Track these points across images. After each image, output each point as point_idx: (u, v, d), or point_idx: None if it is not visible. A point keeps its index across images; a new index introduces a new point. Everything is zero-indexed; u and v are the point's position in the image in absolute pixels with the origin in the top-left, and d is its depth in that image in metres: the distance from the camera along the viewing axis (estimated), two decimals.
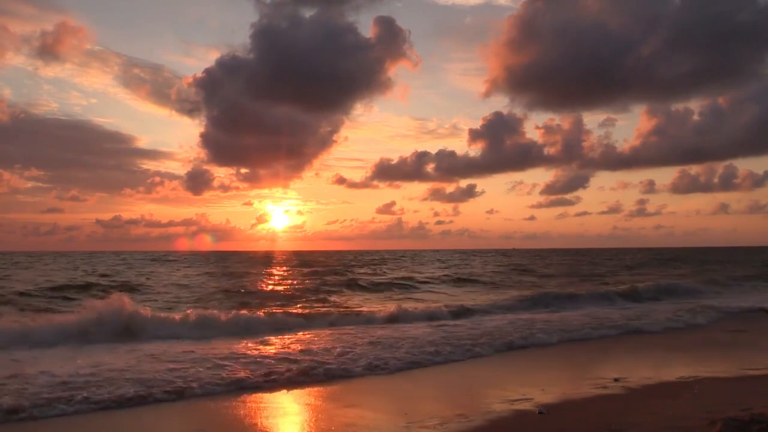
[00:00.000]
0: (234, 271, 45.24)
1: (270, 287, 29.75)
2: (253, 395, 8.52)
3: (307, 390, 8.88)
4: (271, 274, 41.12)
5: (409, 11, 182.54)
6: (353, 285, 30.11)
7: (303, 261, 69.21)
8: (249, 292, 26.60)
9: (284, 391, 8.82)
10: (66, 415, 7.42)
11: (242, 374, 9.43)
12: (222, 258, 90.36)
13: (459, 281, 33.87)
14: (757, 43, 64.28)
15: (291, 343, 12.75)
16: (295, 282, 33.11)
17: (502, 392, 8.40)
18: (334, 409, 7.78)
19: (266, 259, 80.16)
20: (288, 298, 23.72)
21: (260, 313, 16.72)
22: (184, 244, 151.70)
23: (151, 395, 8.18)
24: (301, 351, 11.55)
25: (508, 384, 9.06)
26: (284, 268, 50.04)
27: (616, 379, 9.16)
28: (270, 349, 11.92)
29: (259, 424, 7.14)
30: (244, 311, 16.89)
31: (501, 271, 44.85)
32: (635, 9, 67.02)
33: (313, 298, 23.85)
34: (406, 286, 30.44)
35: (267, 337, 13.72)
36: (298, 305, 21.01)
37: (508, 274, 40.67)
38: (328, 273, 40.89)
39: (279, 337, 13.88)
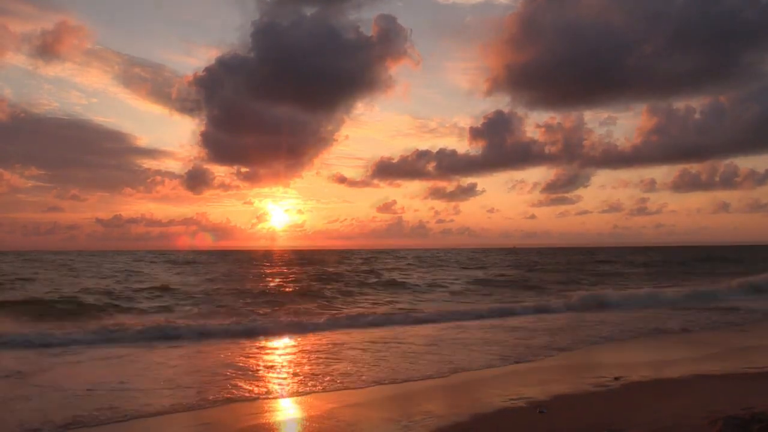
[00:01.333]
0: (262, 271, 44.89)
1: (317, 287, 29.22)
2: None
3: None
4: (303, 274, 40.50)
5: (409, 10, 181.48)
6: (394, 284, 30.42)
7: (319, 260, 68.53)
8: (304, 292, 26.21)
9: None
10: None
11: None
12: (232, 257, 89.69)
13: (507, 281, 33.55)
14: (757, 43, 64.21)
15: None
16: (337, 281, 32.96)
17: (502, 391, 8.38)
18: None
19: (280, 258, 79.40)
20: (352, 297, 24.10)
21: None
22: (185, 243, 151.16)
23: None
24: None
25: (509, 383, 9.06)
26: (311, 268, 49.29)
27: (616, 378, 9.15)
28: None
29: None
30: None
31: (540, 270, 43.73)
32: (635, 8, 66.91)
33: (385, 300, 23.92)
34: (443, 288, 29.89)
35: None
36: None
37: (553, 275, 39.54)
38: (369, 273, 40.75)
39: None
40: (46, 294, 23.61)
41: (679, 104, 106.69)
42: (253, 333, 14.69)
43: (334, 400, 8.19)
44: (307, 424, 7.10)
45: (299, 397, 8.43)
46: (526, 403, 7.67)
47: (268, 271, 46.37)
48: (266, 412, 7.70)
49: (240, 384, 9.05)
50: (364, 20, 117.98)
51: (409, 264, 57.67)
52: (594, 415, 6.97)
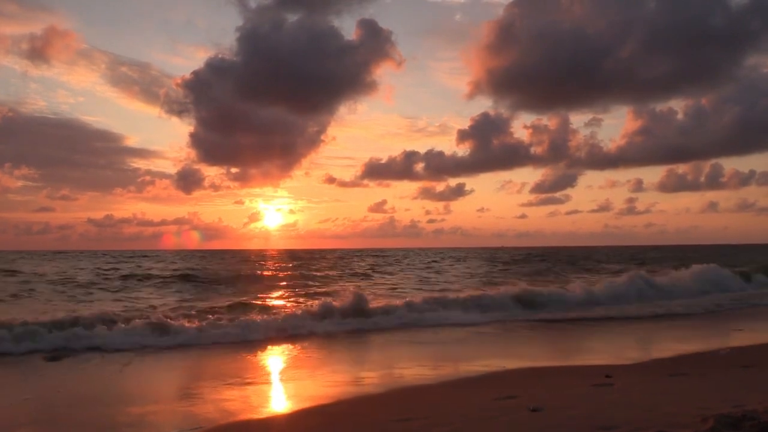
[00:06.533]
0: (295, 269, 44.94)
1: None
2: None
3: None
4: (355, 273, 40.29)
5: (397, 9, 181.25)
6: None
7: (332, 259, 68.29)
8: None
9: None
10: None
11: None
12: (238, 256, 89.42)
13: None
14: (746, 45, 63.40)
15: None
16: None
17: (496, 387, 8.27)
18: None
19: (296, 257, 79.02)
20: None
21: None
22: (179, 243, 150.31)
23: None
24: None
25: (501, 379, 9.00)
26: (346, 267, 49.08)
27: (608, 376, 9.06)
28: None
29: None
30: None
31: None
32: (627, 9, 65.80)
33: None
34: None
35: None
36: None
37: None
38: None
39: None
40: None
41: (680, 105, 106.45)
42: None
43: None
44: None
45: None
46: (519, 402, 7.56)
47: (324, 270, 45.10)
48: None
49: None
50: (353, 20, 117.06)
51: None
52: (586, 412, 6.85)
